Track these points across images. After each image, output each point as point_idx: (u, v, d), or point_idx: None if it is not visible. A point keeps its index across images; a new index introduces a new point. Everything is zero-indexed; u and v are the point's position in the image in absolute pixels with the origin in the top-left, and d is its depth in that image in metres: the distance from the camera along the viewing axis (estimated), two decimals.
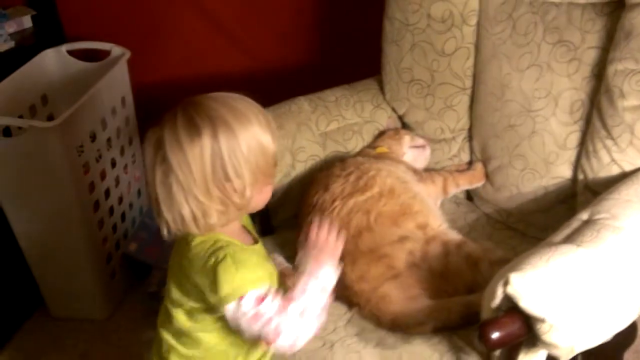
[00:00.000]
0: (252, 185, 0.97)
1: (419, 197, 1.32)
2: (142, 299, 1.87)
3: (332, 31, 1.93)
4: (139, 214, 2.06)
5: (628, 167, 1.22)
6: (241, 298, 0.93)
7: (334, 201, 1.28)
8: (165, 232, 1.00)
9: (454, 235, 1.27)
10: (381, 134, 1.58)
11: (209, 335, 1.03)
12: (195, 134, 0.94)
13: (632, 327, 1.39)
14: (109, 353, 1.80)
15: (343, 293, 1.22)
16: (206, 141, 0.94)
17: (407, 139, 1.50)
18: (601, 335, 0.95)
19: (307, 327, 0.96)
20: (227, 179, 0.95)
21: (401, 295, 1.17)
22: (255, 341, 1.01)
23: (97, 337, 1.85)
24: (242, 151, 0.95)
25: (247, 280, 0.94)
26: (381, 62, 1.59)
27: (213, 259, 0.95)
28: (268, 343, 0.94)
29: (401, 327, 1.17)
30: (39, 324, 1.91)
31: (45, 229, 1.71)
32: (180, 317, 1.04)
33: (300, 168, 1.49)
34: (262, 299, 0.93)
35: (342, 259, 1.17)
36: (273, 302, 0.93)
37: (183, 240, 1.01)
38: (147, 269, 1.91)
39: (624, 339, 1.37)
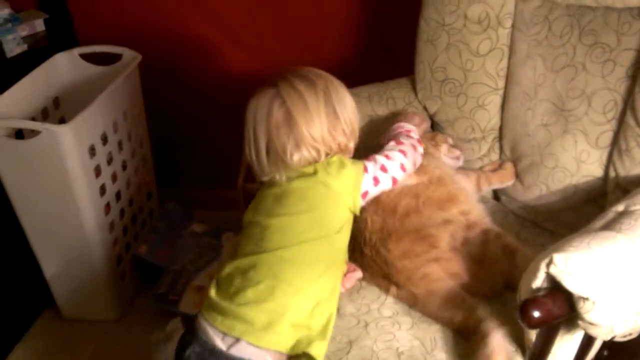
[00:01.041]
0: (353, 137, 1.22)
1: (465, 191, 1.36)
2: (151, 301, 1.89)
3: (363, 31, 1.95)
4: (149, 217, 2.08)
5: None
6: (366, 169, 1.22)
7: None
8: (283, 177, 1.18)
9: (494, 226, 1.29)
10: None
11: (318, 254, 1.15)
12: (310, 85, 1.18)
13: None
14: (119, 354, 1.82)
15: (384, 270, 1.25)
16: (321, 90, 1.18)
17: (444, 147, 1.51)
18: (639, 318, 0.97)
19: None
20: (338, 122, 1.19)
21: (442, 276, 1.20)
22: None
23: (107, 338, 1.87)
24: (345, 103, 1.20)
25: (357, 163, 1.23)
26: (414, 61, 1.62)
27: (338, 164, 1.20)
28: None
29: (430, 310, 1.19)
30: (49, 324, 1.93)
31: (57, 231, 1.73)
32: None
33: None
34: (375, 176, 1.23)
35: (388, 236, 1.21)
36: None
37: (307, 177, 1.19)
38: (157, 271, 1.93)
39: None
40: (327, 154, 1.19)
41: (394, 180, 1.25)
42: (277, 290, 1.10)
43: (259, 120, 1.17)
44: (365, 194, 1.22)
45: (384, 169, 1.24)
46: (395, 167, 1.25)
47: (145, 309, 1.93)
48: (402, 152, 1.28)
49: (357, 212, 1.21)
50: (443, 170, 1.38)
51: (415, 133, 1.37)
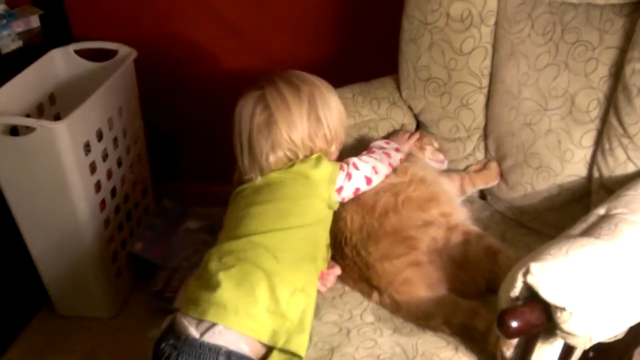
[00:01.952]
0: (335, 139, 1.26)
1: (447, 193, 1.36)
2: (147, 298, 1.89)
3: (347, 30, 1.94)
4: (144, 214, 2.07)
5: None
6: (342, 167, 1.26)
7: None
8: (259, 177, 1.23)
9: (475, 228, 1.28)
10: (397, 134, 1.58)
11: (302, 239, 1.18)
12: (295, 90, 1.22)
13: None
14: (114, 351, 1.82)
15: (365, 274, 1.24)
16: (305, 96, 1.22)
17: (429, 150, 1.51)
18: (618, 326, 0.96)
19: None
20: (320, 128, 1.23)
21: (422, 281, 1.19)
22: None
23: (103, 335, 1.87)
24: (330, 110, 1.24)
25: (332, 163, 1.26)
26: (398, 61, 1.61)
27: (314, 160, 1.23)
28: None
29: (415, 315, 1.18)
30: (45, 322, 1.93)
31: (52, 228, 1.72)
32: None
33: None
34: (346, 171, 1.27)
35: (368, 238, 1.22)
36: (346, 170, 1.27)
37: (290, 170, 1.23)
38: (153, 268, 1.92)
39: (635, 336, 1.38)
40: (305, 156, 1.24)
41: (368, 180, 1.29)
42: (251, 275, 1.10)
43: (242, 121, 1.22)
44: (340, 189, 1.25)
45: (355, 167, 1.28)
46: (367, 167, 1.29)
47: (140, 306, 1.93)
48: (374, 158, 1.33)
49: (333, 207, 1.25)
50: (426, 172, 1.37)
51: (392, 144, 1.41)
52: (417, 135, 1.53)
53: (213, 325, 1.08)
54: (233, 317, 1.07)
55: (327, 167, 1.24)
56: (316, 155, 1.24)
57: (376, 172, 1.31)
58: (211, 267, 1.13)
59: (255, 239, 1.14)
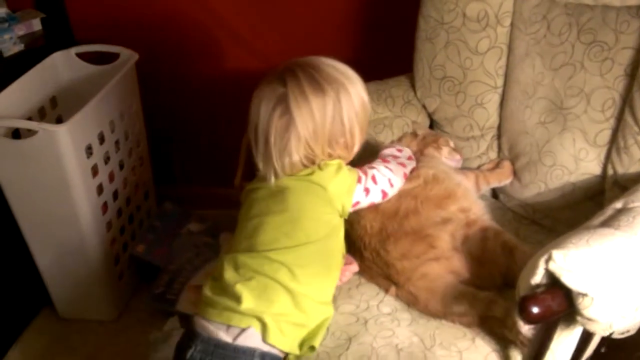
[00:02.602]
0: (358, 141, 1.17)
1: (463, 186, 1.36)
2: (149, 301, 1.88)
3: (364, 28, 1.95)
4: (146, 216, 2.08)
5: None
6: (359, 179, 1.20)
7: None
8: (272, 178, 1.14)
9: (494, 224, 1.30)
10: (414, 136, 1.58)
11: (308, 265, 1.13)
12: (320, 92, 1.10)
13: None
14: (116, 354, 1.82)
15: (384, 271, 1.25)
16: (330, 101, 1.10)
17: (445, 150, 1.51)
18: (637, 314, 0.97)
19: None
20: (343, 134, 1.14)
21: (441, 275, 1.20)
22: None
23: (105, 338, 1.87)
24: (355, 110, 1.13)
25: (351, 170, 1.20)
26: (413, 59, 1.63)
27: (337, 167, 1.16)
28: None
29: (434, 307, 1.19)
30: (46, 324, 1.93)
31: (54, 231, 1.72)
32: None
33: None
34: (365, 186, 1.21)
35: (387, 238, 1.22)
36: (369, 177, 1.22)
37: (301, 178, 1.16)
38: (155, 271, 1.92)
39: None
40: (323, 162, 1.16)
41: (384, 194, 1.24)
42: (269, 287, 1.10)
43: (260, 119, 1.13)
44: (356, 204, 1.21)
45: (374, 180, 1.22)
46: (384, 181, 1.24)
47: (142, 309, 1.93)
48: (390, 169, 1.27)
49: (345, 216, 1.20)
50: (437, 169, 1.37)
51: (405, 152, 1.37)
52: (446, 146, 1.52)
53: (244, 329, 1.08)
54: (256, 322, 1.09)
55: (345, 179, 1.17)
56: (336, 162, 1.16)
57: (392, 186, 1.25)
58: (228, 276, 1.12)
59: (271, 255, 1.11)
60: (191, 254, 1.95)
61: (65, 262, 1.78)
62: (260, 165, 1.15)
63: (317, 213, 1.15)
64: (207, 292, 1.14)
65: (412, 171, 1.34)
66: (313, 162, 1.14)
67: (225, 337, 1.08)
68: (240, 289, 1.09)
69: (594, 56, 1.35)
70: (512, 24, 1.50)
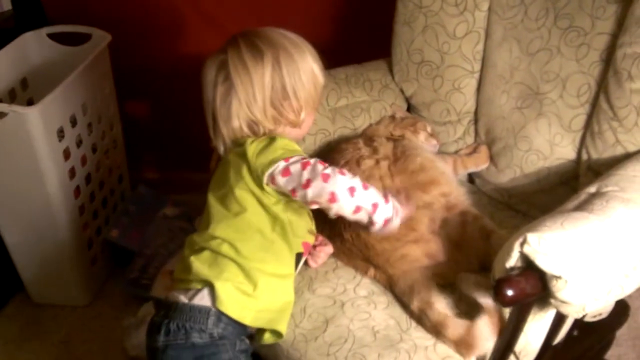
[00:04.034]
0: (307, 107, 1.15)
1: (446, 174, 1.37)
2: (123, 286, 1.87)
3: (341, 11, 1.94)
4: (120, 200, 2.06)
5: (632, 148, 1.27)
6: (288, 159, 1.07)
7: (369, 179, 1.30)
8: (221, 148, 1.15)
9: (473, 209, 1.31)
10: (392, 119, 1.59)
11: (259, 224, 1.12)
12: (259, 56, 1.11)
13: (625, 306, 1.45)
14: (90, 339, 1.80)
15: (363, 253, 1.25)
16: (269, 63, 1.12)
17: (422, 135, 1.52)
18: (610, 296, 0.99)
19: (356, 199, 1.07)
20: (286, 97, 1.12)
21: (419, 257, 1.21)
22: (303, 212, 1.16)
23: (78, 323, 1.86)
24: (299, 75, 1.12)
25: (295, 150, 1.11)
26: (391, 43, 1.62)
27: (266, 141, 1.12)
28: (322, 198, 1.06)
29: (412, 289, 1.20)
30: (19, 309, 1.90)
31: (25, 215, 1.70)
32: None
33: (309, 140, 1.51)
34: (307, 163, 1.07)
35: None
36: (322, 163, 1.08)
37: (238, 150, 1.13)
38: (129, 255, 1.91)
39: (617, 317, 1.42)
40: (270, 130, 1.14)
41: (332, 196, 1.05)
42: (219, 258, 1.11)
43: (206, 89, 1.15)
44: (272, 179, 1.09)
45: (326, 175, 1.06)
46: (344, 185, 1.07)
47: (116, 294, 1.92)
48: (365, 186, 1.10)
49: (262, 185, 1.10)
50: (424, 157, 1.38)
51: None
52: (423, 130, 1.52)
53: (200, 289, 1.09)
54: (209, 289, 1.09)
55: (270, 149, 1.10)
56: (279, 137, 1.12)
57: (352, 195, 1.07)
58: (186, 253, 1.15)
59: (213, 232, 1.12)
60: (166, 238, 1.93)
61: (38, 247, 1.76)
62: (212, 136, 1.17)
63: (244, 182, 1.11)
64: (175, 271, 1.17)
65: (399, 164, 1.34)
66: (256, 130, 1.14)
67: (183, 299, 1.10)
68: (193, 260, 1.11)
69: (570, 41, 1.35)
70: (489, 9, 1.50)
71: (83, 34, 1.87)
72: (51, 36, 1.88)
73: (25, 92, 1.85)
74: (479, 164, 1.53)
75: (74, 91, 1.69)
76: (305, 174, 1.06)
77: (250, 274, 1.10)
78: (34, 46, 1.87)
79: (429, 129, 1.55)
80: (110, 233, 1.94)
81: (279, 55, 1.11)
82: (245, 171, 1.11)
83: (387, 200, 1.10)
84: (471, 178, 1.60)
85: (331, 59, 1.64)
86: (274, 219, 1.12)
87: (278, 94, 1.12)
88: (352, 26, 1.93)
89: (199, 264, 1.11)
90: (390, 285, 1.23)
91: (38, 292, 1.89)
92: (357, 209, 1.07)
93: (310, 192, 1.05)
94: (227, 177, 1.14)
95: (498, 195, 1.51)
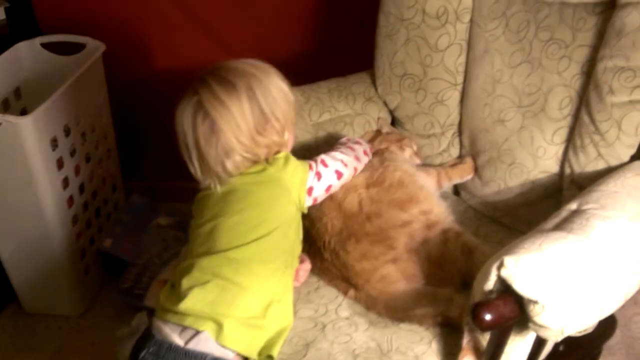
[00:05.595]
0: (288, 126, 1.18)
1: (425, 189, 1.36)
2: (116, 295, 1.87)
3: (324, 24, 1.94)
4: (114, 210, 2.05)
5: (614, 162, 1.26)
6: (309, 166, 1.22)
7: (346, 191, 1.30)
8: (217, 185, 1.15)
9: (455, 225, 1.29)
10: (378, 133, 1.58)
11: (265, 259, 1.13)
12: (232, 89, 1.12)
13: (612, 320, 1.44)
14: (83, 349, 1.80)
15: (342, 273, 1.24)
16: (243, 92, 1.12)
17: (407, 152, 1.52)
18: (589, 319, 0.98)
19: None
20: (267, 120, 1.14)
21: (399, 278, 1.20)
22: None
23: (72, 333, 1.85)
24: (273, 97, 1.14)
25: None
26: (374, 56, 1.61)
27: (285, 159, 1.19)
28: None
29: (394, 310, 1.19)
30: (11, 320, 1.90)
31: (19, 225, 1.70)
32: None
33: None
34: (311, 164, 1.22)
35: (347, 239, 1.22)
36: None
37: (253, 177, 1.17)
38: (122, 265, 1.91)
39: (604, 331, 1.41)
40: (267, 154, 1.17)
41: (338, 174, 1.25)
42: (226, 290, 1.09)
43: (186, 132, 1.14)
44: (310, 190, 1.21)
45: (324, 164, 1.24)
46: (336, 163, 1.26)
47: (110, 304, 1.92)
48: (341, 152, 1.30)
49: (304, 210, 1.21)
50: (403, 171, 1.37)
51: (353, 139, 1.40)
52: (409, 147, 1.53)
53: (197, 332, 1.07)
54: (212, 324, 1.07)
55: (296, 168, 1.19)
56: (283, 155, 1.18)
57: (345, 165, 1.27)
58: (185, 282, 1.10)
59: (230, 255, 1.10)
60: (160, 248, 1.93)
61: (30, 257, 1.76)
62: (201, 177, 1.16)
63: (275, 202, 1.16)
64: (163, 298, 1.13)
65: (377, 175, 1.34)
66: (256, 157, 1.15)
67: (178, 340, 1.07)
68: (197, 292, 1.08)
69: (552, 54, 1.34)
70: (471, 21, 1.49)
71: (77, 43, 1.88)
72: (45, 46, 1.88)
73: (19, 101, 1.85)
74: (464, 175, 1.52)
75: (67, 101, 1.69)
76: (317, 167, 1.22)
77: (261, 301, 1.09)
78: (27, 56, 1.88)
79: (414, 147, 1.54)
80: (103, 243, 1.94)
81: (250, 82, 1.13)
82: (278, 193, 1.16)
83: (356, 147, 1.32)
84: (457, 190, 1.59)
85: (314, 72, 1.65)
86: (292, 241, 1.18)
87: (259, 119, 1.13)
88: (335, 38, 1.93)
89: (203, 296, 1.08)
90: (374, 306, 1.22)
91: (31, 302, 1.89)
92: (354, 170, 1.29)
93: (325, 179, 1.22)
94: (243, 204, 1.14)
95: (483, 209, 1.50)
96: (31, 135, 1.55)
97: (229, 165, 1.13)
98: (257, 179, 1.16)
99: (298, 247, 1.23)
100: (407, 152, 1.50)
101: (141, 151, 2.28)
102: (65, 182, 1.72)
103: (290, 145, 1.23)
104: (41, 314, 1.89)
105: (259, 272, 1.10)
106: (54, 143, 1.65)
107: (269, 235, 1.12)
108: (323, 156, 1.26)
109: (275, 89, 1.15)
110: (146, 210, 2.09)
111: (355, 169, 1.31)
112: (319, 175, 1.22)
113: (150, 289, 1.81)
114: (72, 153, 1.75)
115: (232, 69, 1.15)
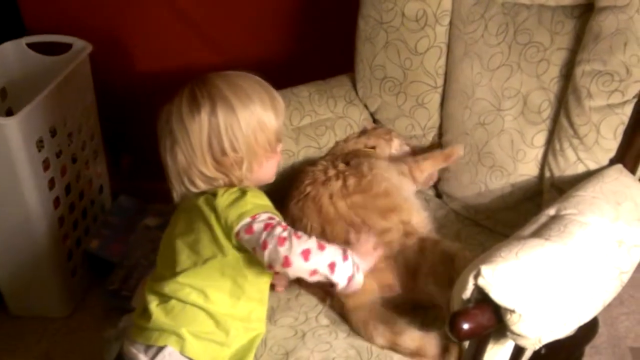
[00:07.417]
0: (251, 159, 1.09)
1: (410, 200, 1.35)
2: (103, 297, 1.86)
3: (305, 27, 1.93)
4: (100, 211, 2.04)
5: (593, 166, 1.26)
6: (255, 216, 1.04)
7: (331, 197, 1.29)
8: (175, 197, 1.12)
9: (432, 235, 1.29)
10: (365, 130, 1.58)
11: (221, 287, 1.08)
12: (195, 110, 1.06)
13: (594, 322, 1.44)
14: (70, 351, 1.79)
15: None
16: (204, 117, 1.06)
17: (396, 142, 1.51)
18: (567, 327, 0.98)
19: (312, 262, 1.03)
20: (224, 153, 1.07)
21: (374, 287, 1.19)
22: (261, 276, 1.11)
23: (58, 335, 1.84)
24: (239, 127, 1.06)
25: (264, 206, 1.07)
26: (354, 60, 1.60)
27: (238, 194, 1.08)
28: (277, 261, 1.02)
29: (366, 325, 1.17)
30: None
31: (4, 226, 1.69)
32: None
33: None
34: (269, 225, 1.04)
35: None
36: (283, 226, 1.05)
37: (209, 197, 1.09)
38: (109, 267, 1.90)
39: (586, 333, 1.42)
40: (227, 183, 1.09)
41: (286, 260, 1.02)
42: (187, 308, 1.07)
43: (159, 137, 1.13)
44: (237, 233, 1.05)
45: (281, 239, 1.03)
46: (297, 249, 1.03)
47: (97, 305, 1.91)
48: (321, 247, 1.06)
49: (232, 240, 1.07)
50: (390, 182, 1.35)
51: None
52: (397, 138, 1.52)
53: (161, 348, 1.06)
54: (174, 338, 1.06)
55: (240, 203, 1.06)
56: (249, 189, 1.08)
57: (305, 259, 1.03)
58: (150, 300, 1.10)
59: (180, 280, 1.07)
60: (147, 249, 1.92)
61: (16, 258, 1.75)
62: (170, 185, 1.13)
63: (214, 231, 1.08)
64: (135, 317, 1.13)
65: (365, 183, 1.32)
66: (214, 183, 1.09)
67: (143, 358, 1.07)
68: (159, 308, 1.08)
69: (530, 57, 1.34)
70: (450, 23, 1.48)
71: (63, 43, 1.86)
72: (31, 46, 1.87)
73: (4, 102, 1.84)
74: (436, 164, 1.48)
75: (54, 101, 1.68)
76: (264, 235, 1.02)
77: (221, 322, 1.07)
78: (13, 56, 1.87)
79: (401, 137, 1.54)
80: (90, 244, 1.93)
81: (215, 107, 1.06)
82: (213, 221, 1.07)
83: (345, 258, 1.05)
84: (438, 193, 1.58)
85: (295, 75, 1.64)
86: (245, 265, 1.09)
87: (215, 148, 1.07)
88: (315, 41, 1.92)
89: (165, 313, 1.07)
90: (346, 317, 1.21)
91: (17, 304, 1.87)
92: (313, 272, 1.04)
93: (267, 255, 1.02)
94: (197, 224, 1.09)
95: (464, 212, 1.50)
96: (17, 136, 1.54)
97: (187, 183, 1.09)
98: (205, 200, 1.09)
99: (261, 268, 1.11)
100: (395, 143, 1.50)
101: (128, 152, 2.26)
102: (52, 183, 1.71)
103: (268, 171, 1.15)
104: (28, 316, 1.88)
105: (211, 295, 1.07)
106: (40, 144, 1.65)
107: (210, 262, 1.08)
108: (293, 236, 1.04)
109: (247, 117, 1.07)
110: (134, 212, 2.07)
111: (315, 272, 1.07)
112: (268, 228, 1.04)
113: (137, 291, 1.79)
114: (59, 154, 1.74)
115: (211, 86, 1.08)
